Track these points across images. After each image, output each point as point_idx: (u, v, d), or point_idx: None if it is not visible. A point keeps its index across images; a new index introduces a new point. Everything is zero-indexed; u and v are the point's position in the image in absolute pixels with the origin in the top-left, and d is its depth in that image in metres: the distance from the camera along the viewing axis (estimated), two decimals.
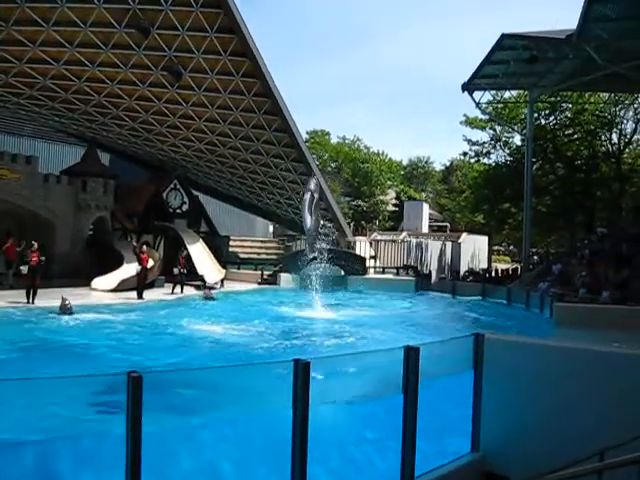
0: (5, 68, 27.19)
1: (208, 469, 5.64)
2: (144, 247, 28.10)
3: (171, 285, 28.86)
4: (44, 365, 12.46)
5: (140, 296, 25.64)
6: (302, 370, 5.59)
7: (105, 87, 30.15)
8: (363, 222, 72.91)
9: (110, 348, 14.83)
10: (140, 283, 26.20)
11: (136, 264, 27.40)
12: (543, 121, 47.66)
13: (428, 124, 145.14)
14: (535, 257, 51.91)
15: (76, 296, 23.51)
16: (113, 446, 5.09)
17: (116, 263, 28.83)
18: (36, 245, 23.60)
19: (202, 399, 6.54)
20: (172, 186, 39.78)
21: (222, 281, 32.67)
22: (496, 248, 72.86)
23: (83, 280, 27.53)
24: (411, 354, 6.76)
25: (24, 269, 22.71)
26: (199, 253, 34.09)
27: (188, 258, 33.10)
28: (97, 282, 27.65)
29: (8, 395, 5.36)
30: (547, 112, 47.55)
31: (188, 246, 34.14)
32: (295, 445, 5.67)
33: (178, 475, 5.44)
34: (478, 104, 40.67)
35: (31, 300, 22.03)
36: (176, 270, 29.38)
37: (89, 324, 18.85)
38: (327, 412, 6.80)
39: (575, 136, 48.00)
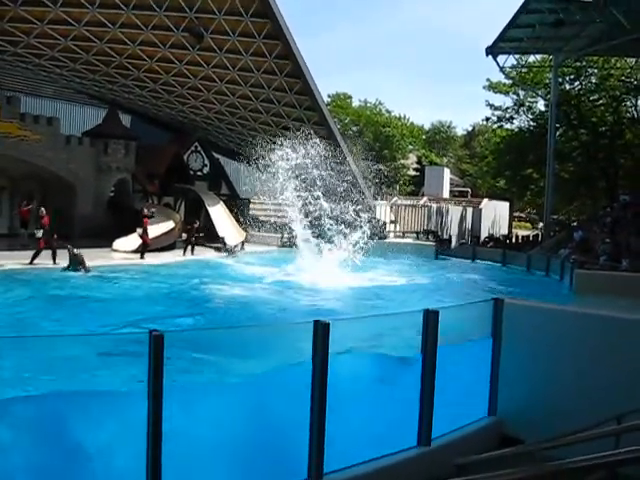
0: (27, 29, 27.14)
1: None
2: (145, 210, 28.27)
3: (189, 247, 29.20)
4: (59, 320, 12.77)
5: (142, 257, 26.24)
6: (322, 331, 5.64)
7: (126, 48, 30.05)
8: (383, 186, 72.62)
9: (122, 304, 15.19)
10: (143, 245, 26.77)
11: (159, 225, 27.86)
12: (568, 86, 46.92)
13: (450, 89, 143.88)
14: (556, 226, 51.48)
15: (97, 257, 23.95)
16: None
17: (137, 225, 29.04)
18: (44, 211, 24.18)
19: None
20: (193, 148, 39.86)
21: (243, 243, 32.89)
22: (517, 214, 72.35)
23: (104, 241, 27.81)
24: (430, 317, 6.80)
25: (39, 233, 23.22)
26: (220, 215, 34.25)
27: (208, 220, 33.35)
28: (118, 243, 27.96)
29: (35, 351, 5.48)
30: (572, 77, 46.79)
31: (209, 208, 34.34)
32: (314, 404, 5.75)
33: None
34: (502, 68, 40.23)
35: (53, 260, 22.60)
36: (184, 235, 29.76)
37: (102, 282, 19.25)
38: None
39: (600, 102, 47.26)
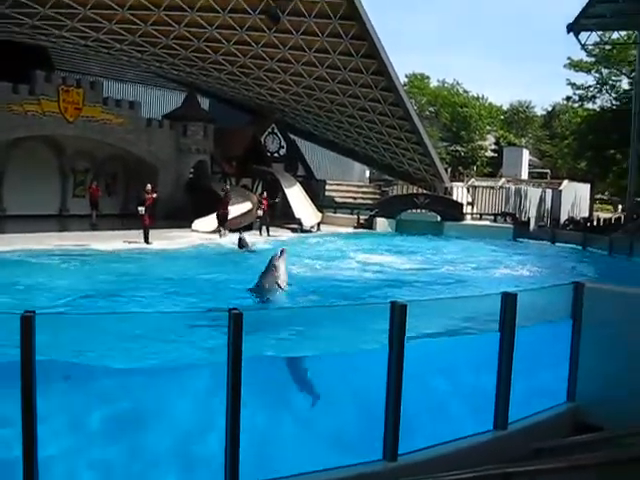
0: (108, 15, 27.78)
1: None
2: (227, 188, 28.75)
3: (265, 227, 29.53)
4: None
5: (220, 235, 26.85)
6: (399, 312, 5.66)
7: (204, 32, 30.45)
8: (461, 168, 71.75)
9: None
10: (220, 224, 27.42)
11: (237, 207, 28.32)
12: None
13: (530, 68, 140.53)
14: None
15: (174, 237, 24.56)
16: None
17: (215, 206, 29.50)
18: (149, 186, 24.46)
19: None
20: (270, 130, 40.16)
21: (319, 225, 33.08)
22: (599, 197, 70.34)
23: (184, 222, 28.45)
24: (508, 300, 6.72)
25: (141, 210, 23.48)
26: (296, 196, 34.51)
27: (285, 201, 33.68)
28: (197, 224, 28.52)
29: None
30: None
31: (285, 190, 34.63)
32: (390, 385, 5.79)
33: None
34: (584, 46, 39.05)
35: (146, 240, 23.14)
36: (260, 212, 29.98)
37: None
38: None
39: None
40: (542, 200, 51.42)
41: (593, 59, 46.13)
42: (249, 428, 5.07)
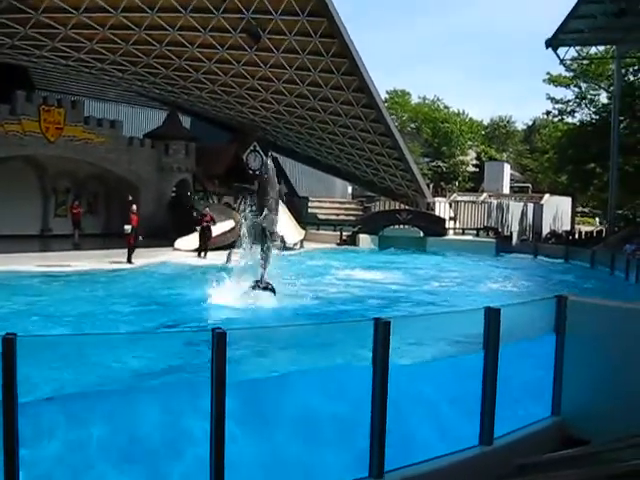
0: (89, 35, 27.78)
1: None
2: (207, 209, 28.70)
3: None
4: None
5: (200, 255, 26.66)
6: (382, 329, 5.64)
7: (185, 51, 30.50)
8: (442, 183, 72.07)
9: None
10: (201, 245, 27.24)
11: (220, 225, 28.21)
12: (632, 77, 45.73)
13: (510, 83, 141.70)
14: (621, 221, 50.22)
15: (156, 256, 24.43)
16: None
17: (197, 224, 29.39)
18: (135, 207, 24.31)
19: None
20: (252, 148, 40.19)
21: (302, 242, 33.04)
22: (580, 210, 70.87)
23: (166, 240, 28.31)
24: (492, 315, 6.71)
25: (128, 228, 23.29)
26: (279, 214, 34.44)
27: None
28: (180, 242, 28.39)
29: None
30: (636, 68, 45.59)
31: None
32: (375, 404, 5.75)
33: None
34: (562, 60, 39.43)
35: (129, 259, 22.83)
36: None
37: None
38: None
39: None
40: (524, 214, 51.75)
41: (572, 74, 46.55)
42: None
